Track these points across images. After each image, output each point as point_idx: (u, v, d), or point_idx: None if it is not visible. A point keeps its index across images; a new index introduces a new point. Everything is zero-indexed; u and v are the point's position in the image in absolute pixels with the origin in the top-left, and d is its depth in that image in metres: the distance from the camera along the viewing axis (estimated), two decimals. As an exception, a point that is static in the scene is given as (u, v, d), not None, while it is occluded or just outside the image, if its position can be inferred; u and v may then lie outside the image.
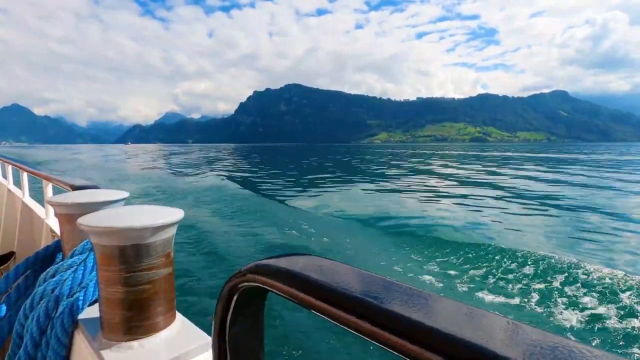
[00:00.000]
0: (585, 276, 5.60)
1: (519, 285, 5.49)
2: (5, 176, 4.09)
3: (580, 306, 4.80)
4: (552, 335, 0.28)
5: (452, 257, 6.74)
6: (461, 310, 0.33)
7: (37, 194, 2.78)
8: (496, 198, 14.48)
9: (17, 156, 4.43)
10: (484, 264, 6.33)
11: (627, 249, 7.49)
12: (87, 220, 0.78)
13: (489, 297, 5.10)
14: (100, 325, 0.85)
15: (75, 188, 1.43)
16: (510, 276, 5.82)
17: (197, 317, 3.82)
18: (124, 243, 0.77)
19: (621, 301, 4.85)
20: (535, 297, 5.10)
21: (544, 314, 4.64)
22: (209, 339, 0.83)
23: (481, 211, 11.67)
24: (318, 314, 0.39)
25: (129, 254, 0.78)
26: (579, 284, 5.38)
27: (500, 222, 10.12)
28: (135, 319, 0.80)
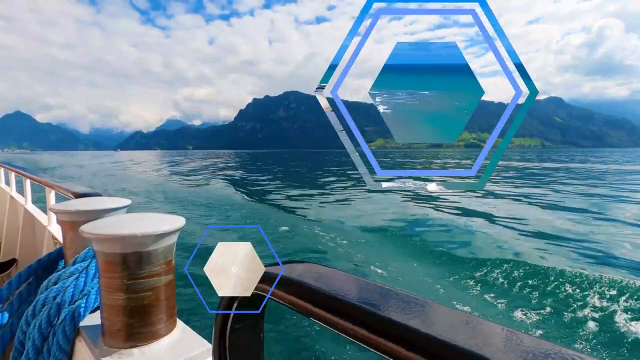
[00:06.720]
0: (577, 284, 5.61)
1: (515, 294, 5.49)
2: (8, 183, 4.08)
3: (573, 313, 4.81)
4: (546, 342, 0.28)
5: (449, 264, 6.74)
6: (457, 317, 0.33)
7: (40, 201, 2.77)
8: (492, 204, 14.52)
9: (22, 162, 4.43)
10: (481, 271, 6.33)
11: (620, 255, 7.51)
12: (89, 228, 0.78)
13: (485, 305, 5.10)
14: (101, 332, 0.85)
15: (78, 195, 1.45)
16: (506, 285, 5.82)
17: (197, 324, 3.79)
18: (125, 250, 0.77)
19: (612, 308, 4.86)
20: (530, 305, 5.11)
21: (539, 322, 4.65)
22: (209, 346, 0.83)
23: (478, 218, 11.69)
24: (316, 321, 0.39)
25: (131, 261, 0.78)
26: (571, 292, 5.39)
27: (497, 227, 10.14)
28: (136, 325, 0.81)
